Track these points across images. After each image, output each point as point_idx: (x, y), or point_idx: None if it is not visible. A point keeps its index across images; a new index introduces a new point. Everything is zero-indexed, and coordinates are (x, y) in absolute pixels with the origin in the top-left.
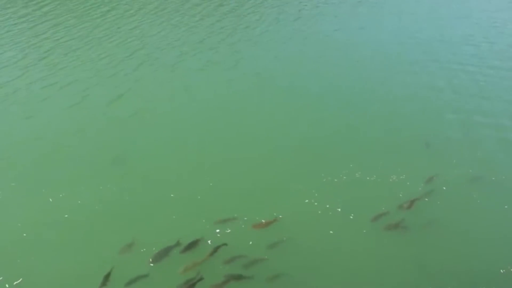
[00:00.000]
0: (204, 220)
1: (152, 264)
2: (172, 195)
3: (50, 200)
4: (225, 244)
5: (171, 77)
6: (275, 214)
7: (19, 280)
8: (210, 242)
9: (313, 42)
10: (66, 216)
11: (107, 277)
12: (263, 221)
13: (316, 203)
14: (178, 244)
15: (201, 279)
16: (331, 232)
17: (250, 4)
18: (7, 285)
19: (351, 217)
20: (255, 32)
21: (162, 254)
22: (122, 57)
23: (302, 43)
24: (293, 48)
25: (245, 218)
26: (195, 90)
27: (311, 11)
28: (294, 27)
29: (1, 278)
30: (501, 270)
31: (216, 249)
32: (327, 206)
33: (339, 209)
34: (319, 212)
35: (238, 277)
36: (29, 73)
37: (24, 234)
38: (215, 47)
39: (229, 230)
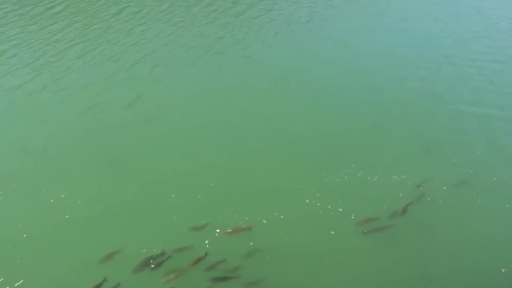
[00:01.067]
0: (204, 221)
1: (135, 273)
2: (173, 195)
3: (51, 200)
4: (206, 254)
5: (176, 80)
6: (275, 214)
7: (20, 282)
8: (208, 243)
9: (319, 44)
10: (67, 216)
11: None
12: (229, 229)
13: (318, 204)
14: (163, 253)
15: None
16: (332, 232)
17: (260, 6)
18: (7, 287)
19: (353, 217)
20: (264, 34)
21: (145, 264)
22: (132, 60)
23: (307, 45)
24: (298, 49)
25: (246, 218)
26: (200, 92)
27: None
28: (303, 29)
29: (1, 279)
30: (503, 269)
31: (198, 260)
32: (329, 206)
33: (341, 209)
34: (321, 212)
35: (224, 279)
36: (40, 76)
37: (24, 235)
38: (224, 49)
39: (229, 230)
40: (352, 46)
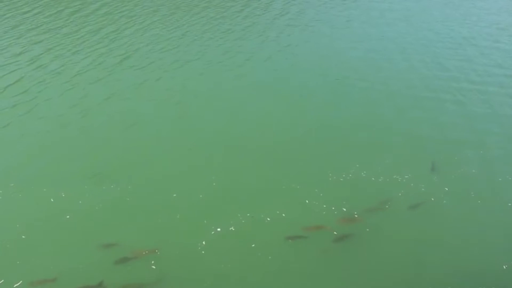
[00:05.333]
0: (205, 221)
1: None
2: (174, 195)
3: (52, 200)
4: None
5: (172, 80)
6: (277, 212)
7: (19, 283)
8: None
9: (320, 41)
10: (68, 216)
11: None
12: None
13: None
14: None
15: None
16: (334, 232)
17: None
18: None
19: (356, 216)
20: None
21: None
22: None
23: (311, 43)
24: (299, 47)
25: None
26: (197, 93)
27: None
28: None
29: (2, 281)
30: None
31: None
32: (332, 208)
33: (345, 209)
34: (324, 213)
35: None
36: (37, 74)
37: (23, 236)
38: (218, 47)
39: (232, 228)
40: (362, 45)
